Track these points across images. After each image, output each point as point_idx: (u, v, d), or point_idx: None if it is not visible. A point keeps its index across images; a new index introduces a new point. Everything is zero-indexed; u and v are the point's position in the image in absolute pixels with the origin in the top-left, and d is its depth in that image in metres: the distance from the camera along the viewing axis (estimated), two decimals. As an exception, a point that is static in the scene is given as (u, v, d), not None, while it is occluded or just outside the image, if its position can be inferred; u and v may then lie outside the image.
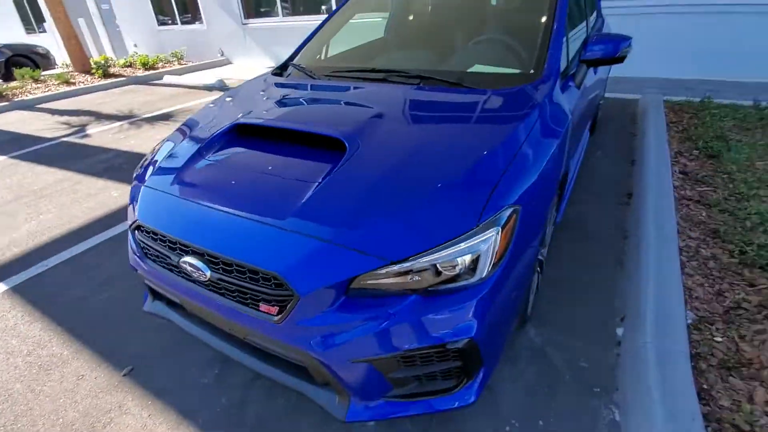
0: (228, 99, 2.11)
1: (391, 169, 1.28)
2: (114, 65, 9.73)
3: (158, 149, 1.76)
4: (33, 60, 9.90)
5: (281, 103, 1.85)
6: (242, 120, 1.66)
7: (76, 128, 5.51)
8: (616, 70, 5.92)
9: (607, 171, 3.15)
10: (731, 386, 1.39)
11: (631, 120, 4.16)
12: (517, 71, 1.81)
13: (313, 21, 8.62)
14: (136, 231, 1.47)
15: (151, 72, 9.23)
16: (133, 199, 1.53)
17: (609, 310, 1.87)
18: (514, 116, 1.46)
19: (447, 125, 1.51)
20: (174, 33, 11.14)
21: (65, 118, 6.07)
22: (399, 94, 1.74)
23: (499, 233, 1.14)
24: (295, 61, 2.45)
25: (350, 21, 2.65)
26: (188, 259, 1.26)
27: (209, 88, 7.52)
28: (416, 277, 1.11)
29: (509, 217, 1.18)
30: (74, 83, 8.30)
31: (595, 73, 2.48)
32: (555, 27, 1.82)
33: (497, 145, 1.32)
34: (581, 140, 2.57)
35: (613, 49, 1.85)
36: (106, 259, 2.56)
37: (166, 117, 5.79)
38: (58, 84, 8.18)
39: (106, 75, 8.91)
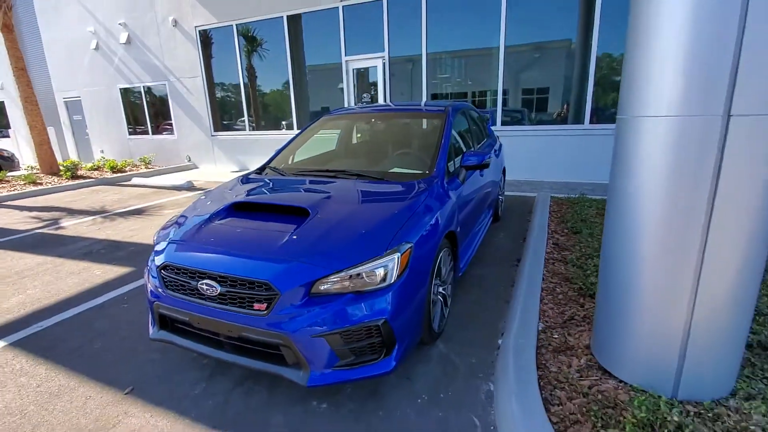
0: (219, 190, 2.92)
1: (336, 223, 2.12)
2: (81, 168, 10.34)
3: (174, 220, 2.50)
4: (-3, 162, 10.33)
5: (262, 190, 2.71)
6: (237, 200, 2.47)
7: (48, 222, 5.94)
8: (521, 176, 7.47)
9: (506, 246, 4.17)
10: (558, 360, 2.17)
11: (528, 211, 5.41)
12: (419, 171, 2.83)
13: (273, 135, 10.07)
14: (162, 270, 2.13)
15: (119, 174, 9.94)
16: (158, 252, 2.21)
17: (495, 330, 2.65)
18: (412, 196, 2.41)
19: (371, 200, 2.42)
20: (144, 141, 12.17)
21: (36, 214, 6.48)
22: (343, 184, 2.67)
23: (399, 257, 1.96)
24: (271, 165, 3.36)
25: (314, 136, 3.70)
26: (205, 281, 1.94)
27: (178, 189, 8.30)
28: (350, 284, 1.87)
29: (406, 249, 2.02)
30: (41, 183, 8.76)
31: (481, 175, 3.60)
32: (441, 146, 2.92)
33: (399, 211, 2.23)
34: (478, 220, 3.58)
35: (478, 160, 2.95)
36: (96, 321, 3.01)
37: (138, 212, 6.40)
38: (25, 184, 8.61)
39: (74, 177, 9.47)
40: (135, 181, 9.43)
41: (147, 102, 11.73)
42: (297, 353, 1.84)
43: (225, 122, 10.88)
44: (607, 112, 7.02)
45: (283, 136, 9.86)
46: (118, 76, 11.82)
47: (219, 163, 11.11)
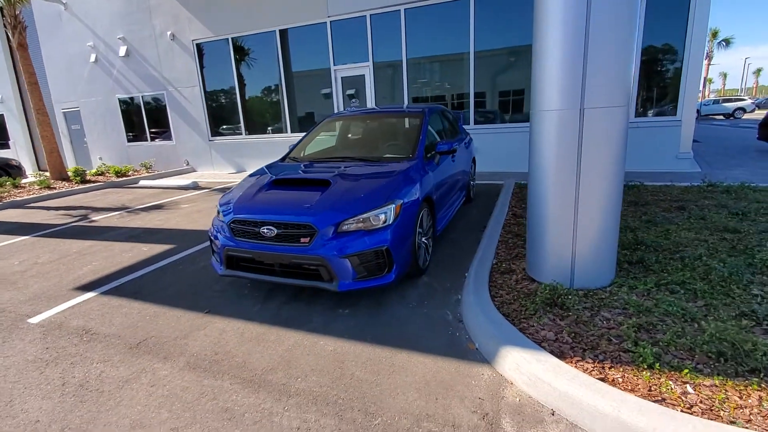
0: (256, 174, 3.87)
1: (349, 188, 3.11)
2: (87, 174, 11.03)
3: (230, 194, 3.45)
4: (6, 171, 10.93)
5: (291, 171, 3.69)
6: (277, 177, 3.44)
7: (78, 217, 6.74)
8: (495, 168, 8.51)
9: (475, 218, 5.22)
10: (503, 277, 3.19)
11: (496, 194, 6.48)
12: (403, 156, 3.84)
13: (267, 138, 10.95)
14: (232, 224, 3.08)
15: (124, 178, 10.68)
16: (226, 213, 3.16)
17: (464, 269, 3.67)
18: (399, 170, 3.42)
19: (371, 174, 3.42)
20: (143, 148, 12.89)
21: (64, 212, 7.25)
22: (349, 165, 3.67)
23: (394, 208, 2.97)
24: (290, 156, 4.32)
25: (321, 133, 4.68)
26: (266, 227, 2.91)
27: (185, 188, 9.13)
28: (362, 224, 2.87)
29: (398, 203, 3.03)
30: (55, 188, 9.46)
31: (453, 160, 4.63)
32: (420, 137, 3.95)
33: (392, 179, 3.23)
34: (451, 195, 4.61)
35: (448, 147, 3.97)
36: (162, 277, 3.91)
37: (158, 207, 7.24)
38: (40, 189, 9.30)
39: (83, 181, 10.19)
40: (142, 183, 10.19)
41: (145, 110, 12.47)
42: (330, 270, 2.82)
43: (221, 128, 11.73)
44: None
45: (277, 139, 10.79)
46: (117, 87, 12.54)
47: (217, 166, 11.93)
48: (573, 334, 2.36)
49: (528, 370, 2.10)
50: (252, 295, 3.37)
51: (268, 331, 2.83)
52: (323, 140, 4.74)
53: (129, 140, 13.09)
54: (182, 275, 3.91)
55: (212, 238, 3.31)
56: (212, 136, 11.81)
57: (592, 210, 2.71)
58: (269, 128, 11.07)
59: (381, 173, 3.44)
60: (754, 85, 75.44)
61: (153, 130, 12.61)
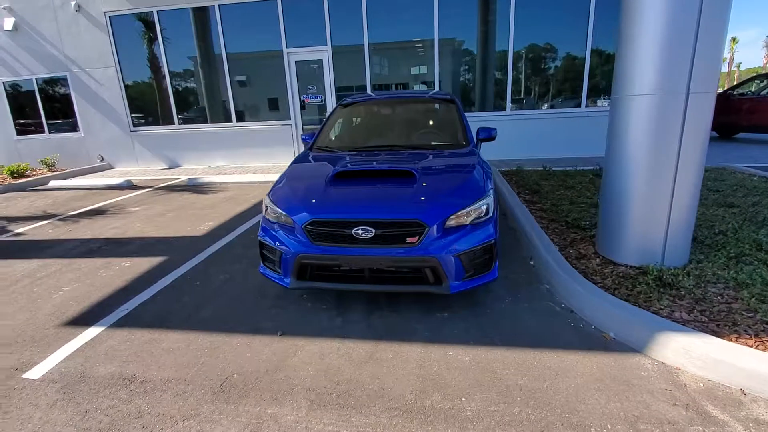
0: (307, 165, 3.38)
1: (439, 180, 2.80)
2: (-35, 176, 8.70)
3: (284, 191, 2.89)
4: None
5: (351, 162, 3.22)
6: (341, 170, 2.97)
7: (-9, 231, 5.24)
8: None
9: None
10: (581, 263, 3.18)
11: (484, 181, 6.55)
12: (454, 143, 3.60)
13: (206, 128, 9.72)
14: (308, 227, 2.57)
15: (26, 180, 8.65)
16: (297, 213, 2.63)
17: (520, 258, 3.59)
18: (474, 159, 3.18)
19: (449, 164, 3.15)
20: (39, 142, 10.60)
21: (-39, 225, 5.57)
22: (412, 154, 3.33)
23: (492, 198, 2.74)
24: (317, 146, 3.79)
25: (336, 125, 4.20)
26: (360, 227, 2.48)
27: (118, 188, 7.70)
28: (468, 218, 2.59)
29: (491, 193, 2.81)
30: (-75, 195, 7.26)
31: (476, 147, 4.51)
32: (465, 124, 3.75)
33: (476, 170, 2.99)
34: None
35: (489, 134, 3.83)
36: (182, 298, 3.17)
37: (98, 212, 5.97)
38: None
39: (-34, 185, 8.00)
40: (54, 184, 8.34)
41: (41, 97, 10.21)
42: (440, 271, 2.51)
43: (146, 117, 10.11)
44: (526, 100, 8.63)
45: (221, 130, 9.64)
46: (2, 69, 10.03)
47: (142, 161, 10.30)
48: (703, 312, 2.41)
49: (699, 353, 2.07)
50: (318, 307, 2.89)
51: (376, 347, 2.43)
52: (347, 128, 4.26)
53: (19, 133, 10.62)
54: (206, 292, 3.22)
55: (268, 243, 2.75)
56: (135, 126, 10.12)
57: (686, 193, 2.79)
58: (206, 117, 9.82)
59: (458, 163, 3.16)
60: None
61: (53, 120, 10.39)
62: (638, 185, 2.87)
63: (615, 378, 2.08)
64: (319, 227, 2.58)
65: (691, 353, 2.09)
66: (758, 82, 10.24)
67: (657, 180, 2.80)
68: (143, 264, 3.86)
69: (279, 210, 2.76)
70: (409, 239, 2.49)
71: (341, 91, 9.07)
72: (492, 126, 3.99)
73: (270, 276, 2.83)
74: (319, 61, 8.97)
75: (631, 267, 3.00)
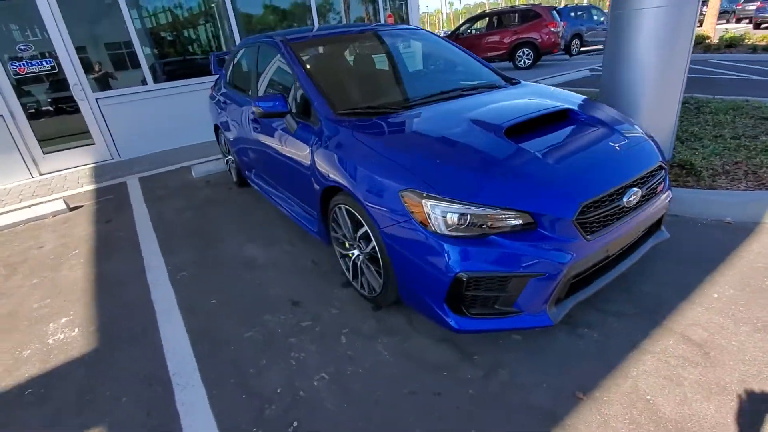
0: (382, 135, 2.14)
1: (599, 116, 2.25)
2: None
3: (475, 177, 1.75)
4: None
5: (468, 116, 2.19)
6: (509, 123, 2.00)
7: None
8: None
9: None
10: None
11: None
12: (495, 81, 2.93)
13: None
14: (579, 215, 1.66)
15: None
16: (550, 207, 1.68)
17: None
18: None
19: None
20: None
21: None
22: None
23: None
24: (344, 110, 2.34)
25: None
26: (629, 191, 1.77)
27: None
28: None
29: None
30: None
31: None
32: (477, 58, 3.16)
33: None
34: None
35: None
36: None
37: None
38: None
39: None
40: None
41: None
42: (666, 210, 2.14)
43: None
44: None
45: None
46: None
47: None
48: (747, 176, 3.07)
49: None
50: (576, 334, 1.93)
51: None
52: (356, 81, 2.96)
53: None
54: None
55: (491, 272, 1.62)
56: None
57: (678, 93, 3.33)
58: None
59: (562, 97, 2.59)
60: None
61: None
62: (653, 88, 3.21)
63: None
64: (594, 211, 1.70)
65: None
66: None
67: (666, 82, 3.22)
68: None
69: (504, 211, 1.58)
70: (658, 188, 1.98)
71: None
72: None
73: (496, 326, 1.70)
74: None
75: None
